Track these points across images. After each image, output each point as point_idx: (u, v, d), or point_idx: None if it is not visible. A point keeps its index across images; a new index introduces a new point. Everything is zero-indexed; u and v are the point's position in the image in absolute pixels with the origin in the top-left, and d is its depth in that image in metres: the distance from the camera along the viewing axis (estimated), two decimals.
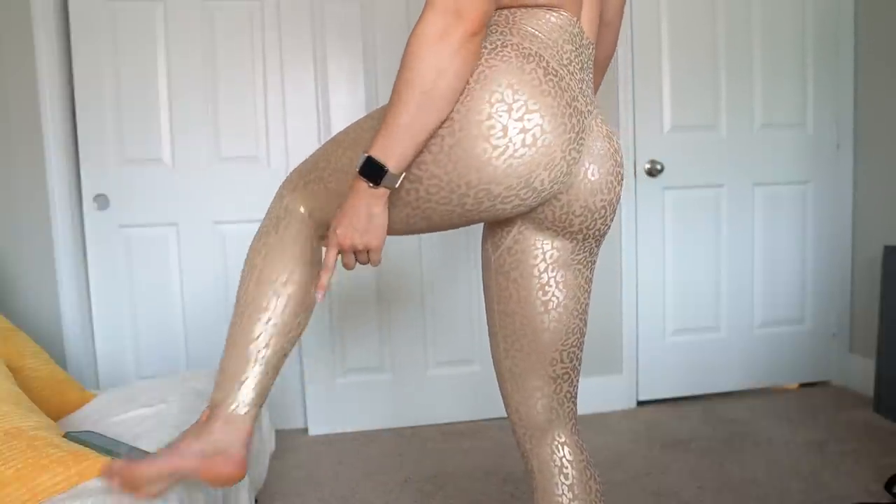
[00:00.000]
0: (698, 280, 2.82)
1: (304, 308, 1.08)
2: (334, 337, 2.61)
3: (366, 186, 0.90)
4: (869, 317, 2.80)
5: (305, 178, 1.08)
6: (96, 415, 1.57)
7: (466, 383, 2.70)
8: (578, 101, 0.95)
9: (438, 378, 2.69)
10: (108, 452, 1.21)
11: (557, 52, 0.95)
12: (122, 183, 2.48)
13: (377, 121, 1.00)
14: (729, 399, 2.83)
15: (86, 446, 1.24)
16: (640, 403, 2.82)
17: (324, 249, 1.11)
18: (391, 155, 0.88)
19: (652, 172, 2.71)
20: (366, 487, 2.13)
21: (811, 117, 2.84)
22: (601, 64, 1.25)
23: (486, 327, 1.19)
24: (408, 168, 0.92)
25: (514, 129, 0.89)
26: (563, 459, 1.09)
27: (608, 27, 1.20)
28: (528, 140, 0.89)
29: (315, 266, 1.09)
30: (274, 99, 2.54)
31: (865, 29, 2.76)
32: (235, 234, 2.56)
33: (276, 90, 2.54)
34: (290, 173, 1.13)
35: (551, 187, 0.95)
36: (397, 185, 0.91)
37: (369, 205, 0.91)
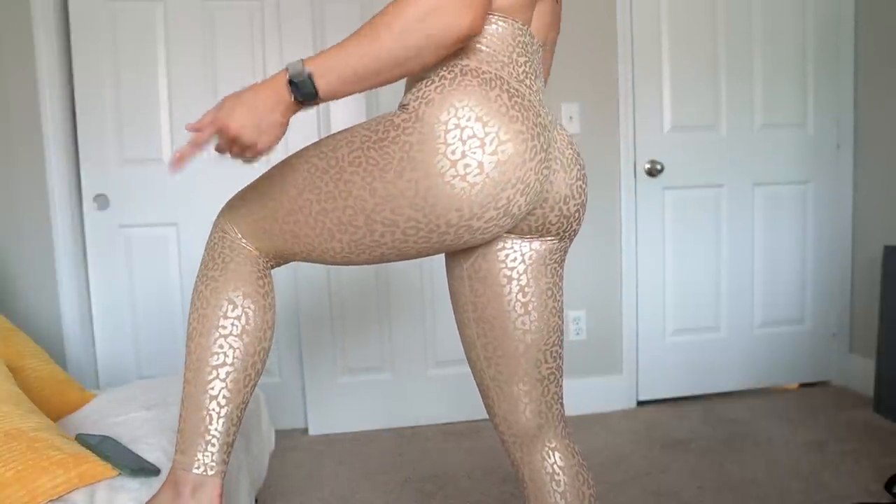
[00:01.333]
0: (698, 280, 2.82)
1: (259, 356, 1.03)
2: (334, 337, 2.61)
3: (287, 95, 0.87)
4: (869, 317, 2.80)
5: (254, 214, 1.01)
6: (96, 415, 1.56)
7: (466, 383, 2.70)
8: (541, 115, 0.94)
9: (438, 378, 2.69)
10: (107, 459, 1.21)
11: (514, 68, 0.94)
12: (122, 183, 2.48)
13: (328, 161, 0.95)
14: (729, 399, 2.83)
15: (90, 450, 1.23)
16: (640, 403, 2.82)
17: (254, 256, 1.03)
18: (329, 89, 0.86)
19: (652, 172, 2.71)
20: (366, 487, 2.13)
21: (811, 118, 2.84)
22: (549, 47, 1.14)
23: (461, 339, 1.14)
24: None
25: (489, 164, 0.87)
26: (555, 466, 1.08)
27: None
28: (506, 171, 0.88)
29: (269, 310, 1.03)
30: None
31: (865, 30, 2.75)
32: None
33: None
34: (230, 206, 1.05)
35: (528, 209, 0.94)
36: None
37: (277, 110, 0.87)
